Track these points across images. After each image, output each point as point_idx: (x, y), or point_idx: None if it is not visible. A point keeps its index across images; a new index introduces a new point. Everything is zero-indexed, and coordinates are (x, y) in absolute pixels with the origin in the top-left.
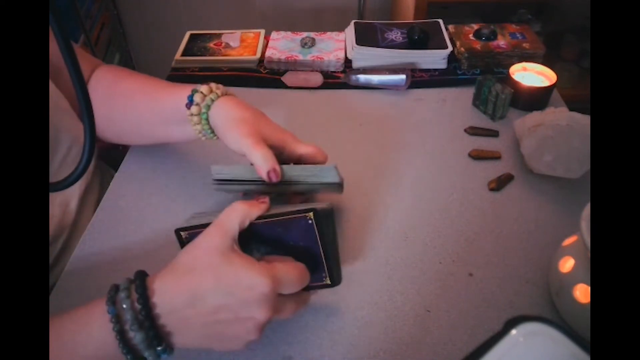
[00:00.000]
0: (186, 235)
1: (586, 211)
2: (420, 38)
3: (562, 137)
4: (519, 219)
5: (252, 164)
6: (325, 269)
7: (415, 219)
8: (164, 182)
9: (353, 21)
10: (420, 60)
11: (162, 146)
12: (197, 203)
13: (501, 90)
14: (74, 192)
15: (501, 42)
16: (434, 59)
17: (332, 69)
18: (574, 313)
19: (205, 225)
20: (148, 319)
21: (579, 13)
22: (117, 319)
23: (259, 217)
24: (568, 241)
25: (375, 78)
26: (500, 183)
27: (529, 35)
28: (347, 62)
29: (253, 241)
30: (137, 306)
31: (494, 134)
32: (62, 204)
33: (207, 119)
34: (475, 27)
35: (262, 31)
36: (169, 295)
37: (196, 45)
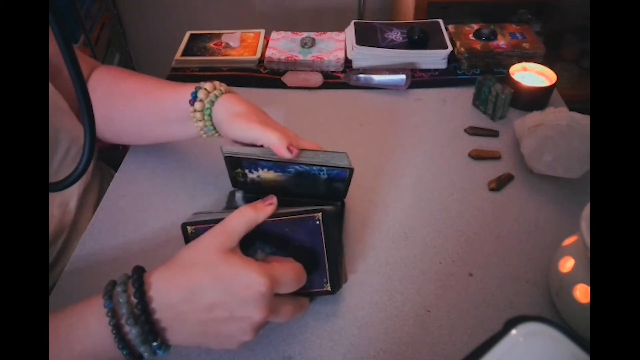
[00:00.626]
0: (192, 230)
1: (586, 211)
2: (420, 38)
3: (562, 137)
4: (519, 219)
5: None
6: (327, 274)
7: (415, 219)
8: (164, 182)
9: (353, 21)
10: (420, 60)
11: (162, 146)
12: (197, 203)
13: (501, 90)
14: (73, 192)
15: (501, 42)
16: (434, 59)
17: (332, 69)
18: (574, 313)
19: (212, 221)
20: (144, 314)
21: (579, 13)
22: (113, 313)
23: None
24: (568, 241)
25: (375, 78)
26: (500, 183)
27: (529, 35)
28: (347, 62)
29: (258, 239)
30: (134, 300)
31: (494, 134)
32: (61, 204)
33: (210, 115)
34: (475, 27)
35: (262, 31)
36: (166, 289)
37: (196, 45)
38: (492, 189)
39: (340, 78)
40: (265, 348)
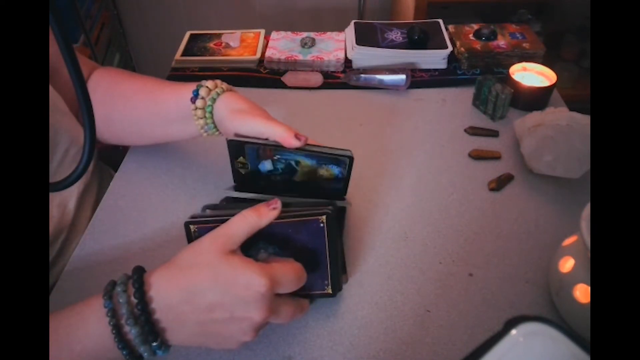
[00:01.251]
0: (195, 229)
1: (586, 211)
2: (420, 38)
3: (562, 137)
4: (519, 219)
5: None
6: (329, 276)
7: (415, 219)
8: (164, 182)
9: (353, 21)
10: (420, 60)
11: (162, 146)
12: (197, 203)
13: (501, 90)
14: (72, 193)
15: (501, 42)
16: (434, 59)
17: (332, 69)
18: (574, 313)
19: (216, 221)
20: (144, 314)
21: (579, 13)
22: (113, 313)
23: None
24: (568, 241)
25: (375, 78)
26: (500, 183)
27: (529, 35)
28: (347, 62)
29: (262, 239)
30: (134, 300)
31: (494, 134)
32: (60, 205)
33: (211, 113)
34: (475, 27)
35: (262, 31)
36: (165, 290)
37: (196, 45)
38: (492, 189)
39: (340, 78)
40: (265, 348)
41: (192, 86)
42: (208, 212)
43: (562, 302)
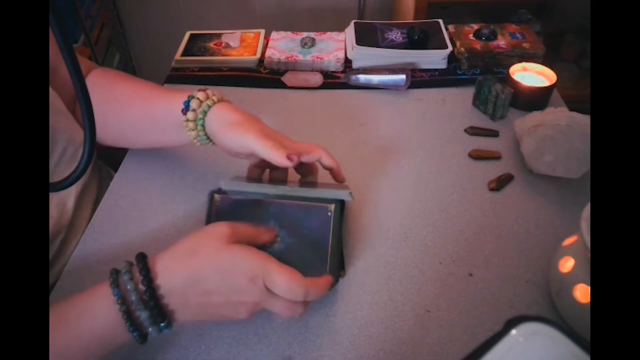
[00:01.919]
0: (219, 199)
1: (586, 211)
2: (420, 38)
3: (562, 137)
4: (519, 219)
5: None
6: (328, 267)
7: (415, 219)
8: (164, 182)
9: (353, 21)
10: (420, 60)
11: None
12: (197, 203)
13: (501, 90)
14: (71, 192)
15: (501, 42)
16: (434, 59)
17: (332, 69)
18: (574, 313)
19: (243, 200)
20: (152, 299)
21: (579, 13)
22: (122, 300)
23: (284, 197)
24: (568, 241)
25: (375, 78)
26: (500, 183)
27: (529, 35)
28: (347, 62)
29: (273, 218)
30: (142, 287)
31: (494, 134)
32: (59, 204)
33: (203, 125)
34: (475, 27)
35: (262, 31)
36: (170, 276)
37: (196, 45)
38: (492, 189)
39: (340, 78)
40: (265, 348)
41: (183, 96)
42: (240, 180)
43: (562, 302)
